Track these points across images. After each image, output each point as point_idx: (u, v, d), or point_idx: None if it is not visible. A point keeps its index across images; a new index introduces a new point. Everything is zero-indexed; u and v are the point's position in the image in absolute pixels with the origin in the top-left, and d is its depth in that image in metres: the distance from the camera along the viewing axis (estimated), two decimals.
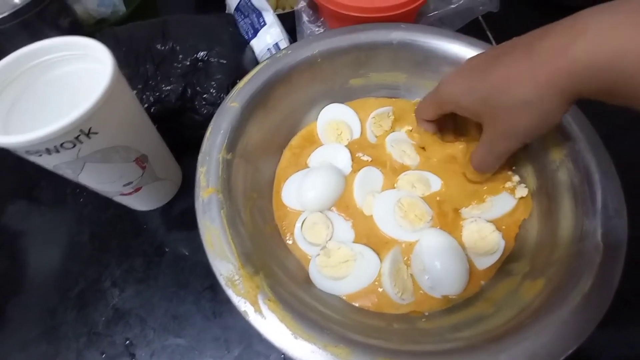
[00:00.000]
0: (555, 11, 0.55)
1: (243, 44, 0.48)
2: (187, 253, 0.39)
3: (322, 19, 0.50)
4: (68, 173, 0.29)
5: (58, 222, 0.42)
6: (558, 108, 0.24)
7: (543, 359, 0.23)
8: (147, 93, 0.41)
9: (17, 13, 0.41)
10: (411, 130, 0.38)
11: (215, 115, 0.34)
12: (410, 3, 0.43)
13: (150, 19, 0.46)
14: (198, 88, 0.42)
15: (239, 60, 0.45)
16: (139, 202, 0.40)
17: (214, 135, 0.32)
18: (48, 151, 0.25)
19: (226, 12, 0.53)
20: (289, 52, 0.38)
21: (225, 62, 0.43)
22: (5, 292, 0.38)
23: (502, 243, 0.32)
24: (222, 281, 0.26)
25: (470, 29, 0.51)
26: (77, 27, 0.50)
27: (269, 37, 0.47)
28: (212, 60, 0.43)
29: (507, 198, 0.34)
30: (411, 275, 0.32)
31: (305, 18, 0.49)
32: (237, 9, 0.49)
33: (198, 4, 0.65)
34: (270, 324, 0.25)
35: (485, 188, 0.35)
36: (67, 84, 0.30)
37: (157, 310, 0.36)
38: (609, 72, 0.20)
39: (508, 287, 0.29)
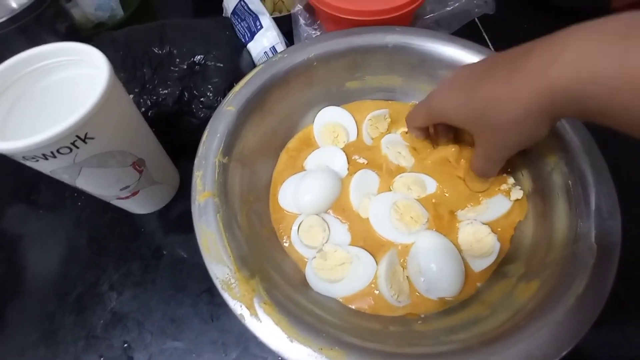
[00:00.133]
0: (550, 12, 0.56)
1: (240, 47, 0.48)
2: (185, 256, 0.39)
3: (318, 22, 0.50)
4: (65, 178, 0.29)
5: (56, 225, 0.42)
6: (543, 126, 0.25)
7: None
8: (145, 97, 0.41)
9: (15, 18, 0.41)
10: (406, 133, 0.39)
11: (211, 119, 0.34)
12: (406, 6, 0.43)
13: (148, 23, 0.46)
14: (195, 92, 0.42)
15: (236, 63, 0.45)
16: (136, 206, 0.40)
17: (210, 139, 0.32)
18: (45, 156, 0.25)
19: (223, 15, 0.53)
20: (285, 55, 0.38)
21: (222, 65, 0.43)
22: (3, 296, 0.38)
23: (498, 245, 0.32)
24: (219, 285, 0.26)
25: (466, 31, 0.51)
26: (75, 32, 0.50)
27: (265, 41, 0.47)
28: (209, 63, 0.43)
29: (503, 200, 0.34)
30: (407, 277, 0.32)
31: (301, 21, 0.49)
32: (233, 12, 0.49)
33: (195, 8, 0.65)
34: (266, 327, 0.25)
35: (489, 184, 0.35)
36: (64, 89, 0.30)
37: (154, 313, 0.36)
38: (586, 96, 0.21)
39: (503, 289, 0.30)
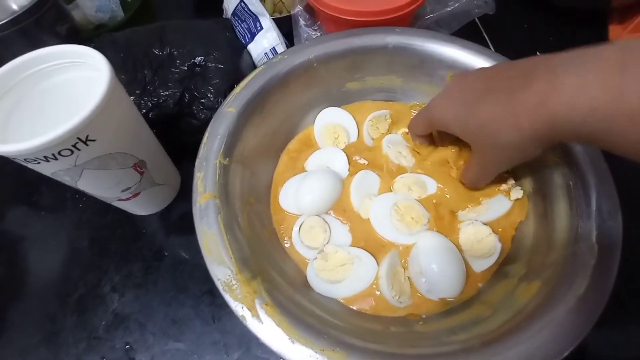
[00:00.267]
0: (550, 12, 0.56)
1: (240, 48, 0.48)
2: (186, 257, 0.39)
3: (318, 23, 0.50)
4: (66, 180, 0.30)
5: (58, 227, 0.42)
6: (540, 148, 0.26)
7: None
8: (145, 98, 0.41)
9: (15, 20, 0.41)
10: (407, 133, 0.39)
11: (212, 121, 0.34)
12: (406, 6, 0.43)
13: (148, 25, 0.46)
14: (196, 93, 0.42)
15: (236, 64, 0.45)
16: (137, 207, 0.40)
17: (210, 141, 0.33)
18: (46, 159, 0.26)
19: (223, 17, 0.53)
20: (285, 56, 0.38)
21: (222, 66, 0.43)
22: (5, 298, 0.38)
23: (499, 246, 0.32)
24: (220, 286, 0.26)
25: (466, 32, 0.51)
26: (75, 34, 0.50)
27: (265, 42, 0.47)
28: (210, 65, 0.43)
29: (503, 200, 0.34)
30: (408, 278, 0.32)
31: (302, 22, 0.49)
32: (234, 13, 0.49)
33: (195, 9, 0.65)
34: (267, 329, 0.25)
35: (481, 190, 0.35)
36: (65, 92, 0.30)
37: (156, 314, 0.36)
38: (584, 125, 0.21)
39: (504, 289, 0.30)
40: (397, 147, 0.38)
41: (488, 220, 0.34)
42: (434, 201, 0.35)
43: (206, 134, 0.33)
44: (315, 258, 0.32)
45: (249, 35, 0.48)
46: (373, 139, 0.40)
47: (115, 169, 0.31)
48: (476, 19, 0.54)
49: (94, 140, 0.27)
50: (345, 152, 0.38)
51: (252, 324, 0.25)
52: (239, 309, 0.26)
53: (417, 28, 0.48)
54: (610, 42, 0.21)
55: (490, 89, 0.26)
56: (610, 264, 0.26)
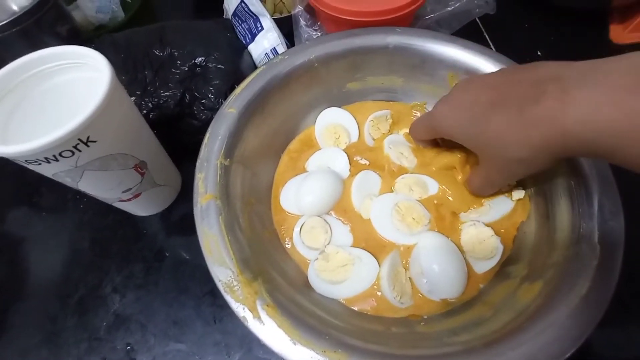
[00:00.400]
0: (551, 12, 0.56)
1: (241, 49, 0.48)
2: (187, 257, 0.39)
3: (319, 23, 0.50)
4: (67, 181, 0.30)
5: (58, 228, 0.42)
6: (550, 163, 0.26)
7: None
8: (146, 99, 0.41)
9: (16, 21, 0.41)
10: (409, 134, 0.39)
11: (212, 122, 0.34)
12: (407, 6, 0.43)
13: (149, 25, 0.47)
14: (196, 94, 0.42)
15: (237, 65, 0.45)
16: (138, 208, 0.40)
17: (211, 142, 0.33)
18: (47, 160, 0.25)
19: (224, 17, 0.53)
20: (286, 57, 0.38)
21: (223, 67, 0.43)
22: (6, 299, 0.38)
23: (501, 248, 0.32)
24: (221, 287, 0.26)
25: (467, 31, 0.51)
26: (76, 34, 0.50)
27: (266, 42, 0.47)
28: (210, 65, 0.43)
29: (505, 200, 0.34)
30: (410, 278, 0.32)
31: (302, 22, 0.49)
32: (234, 14, 0.49)
33: (196, 10, 0.65)
34: (269, 330, 0.25)
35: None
36: (65, 93, 0.30)
37: (157, 315, 0.36)
38: (596, 143, 0.21)
39: (506, 290, 0.30)
40: (398, 148, 0.38)
41: (490, 220, 0.33)
42: (435, 202, 0.34)
43: (207, 135, 0.33)
44: (316, 259, 0.32)
45: (249, 36, 0.48)
46: (374, 139, 0.40)
47: (116, 170, 0.31)
48: (477, 19, 0.54)
49: (94, 142, 0.27)
50: (346, 153, 0.38)
51: (253, 325, 0.25)
52: (240, 310, 0.26)
53: (418, 28, 0.48)
54: (619, 54, 0.21)
55: (499, 101, 0.26)
56: (612, 264, 0.26)
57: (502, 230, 0.33)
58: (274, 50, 0.47)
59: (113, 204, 0.37)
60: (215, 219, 0.29)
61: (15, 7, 0.44)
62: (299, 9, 0.49)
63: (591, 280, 0.25)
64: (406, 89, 0.42)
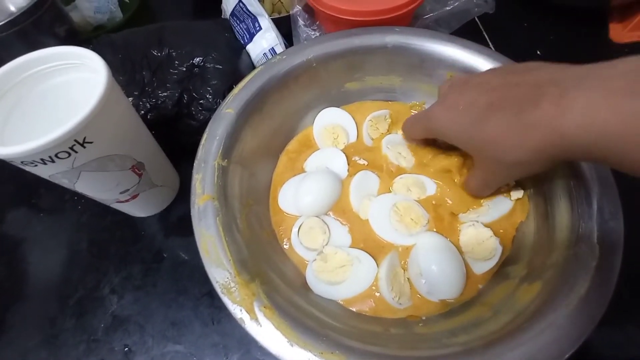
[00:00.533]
0: (550, 11, 0.56)
1: (239, 49, 0.48)
2: (185, 258, 0.39)
3: (317, 23, 0.50)
4: (64, 182, 0.29)
5: (57, 229, 0.42)
6: (547, 166, 0.26)
7: None
8: (144, 100, 0.41)
9: (13, 22, 0.41)
10: (402, 131, 0.38)
11: (210, 122, 0.34)
12: (406, 6, 0.43)
13: (147, 25, 0.46)
14: (194, 94, 0.42)
15: (235, 65, 0.45)
16: (136, 209, 0.40)
17: (209, 142, 0.32)
18: (43, 161, 0.25)
19: (222, 17, 0.53)
20: (284, 57, 0.38)
21: (221, 67, 0.43)
22: (4, 300, 0.38)
23: (500, 249, 0.32)
24: (218, 289, 0.26)
25: (466, 31, 0.51)
26: (73, 35, 0.50)
27: (264, 42, 0.47)
28: (208, 65, 0.43)
29: (504, 200, 0.34)
30: (408, 279, 0.32)
31: (300, 22, 0.49)
32: (232, 14, 0.49)
33: (194, 10, 0.65)
34: (266, 332, 0.25)
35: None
36: (62, 93, 0.30)
37: (155, 316, 0.36)
38: (594, 146, 0.21)
39: (505, 290, 0.29)
40: (396, 148, 0.38)
41: (489, 220, 0.33)
42: (434, 202, 0.34)
43: (204, 135, 0.33)
44: (315, 259, 0.32)
45: (247, 36, 0.48)
46: (372, 139, 0.40)
47: (114, 171, 0.31)
48: (476, 18, 0.54)
49: (91, 143, 0.27)
50: (344, 153, 0.38)
51: (250, 326, 0.25)
52: (238, 311, 0.25)
53: (417, 27, 0.48)
54: (619, 53, 0.21)
55: (495, 103, 0.26)
56: (611, 264, 0.26)
57: (501, 231, 0.33)
58: (273, 50, 0.46)
59: (111, 205, 0.37)
60: (213, 220, 0.29)
61: (12, 8, 0.44)
62: (298, 8, 0.49)
63: (590, 280, 0.25)
64: (405, 88, 0.41)
